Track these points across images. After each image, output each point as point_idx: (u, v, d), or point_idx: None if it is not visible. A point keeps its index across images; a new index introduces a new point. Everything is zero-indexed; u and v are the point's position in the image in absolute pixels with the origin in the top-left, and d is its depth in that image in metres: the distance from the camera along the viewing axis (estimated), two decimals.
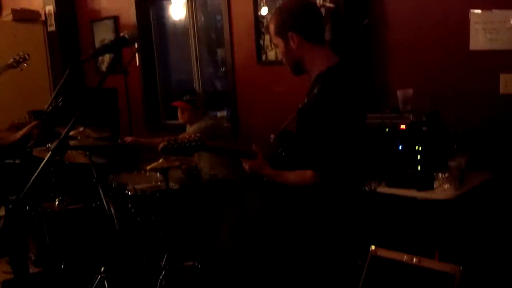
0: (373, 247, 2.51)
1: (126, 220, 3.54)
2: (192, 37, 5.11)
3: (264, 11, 4.25)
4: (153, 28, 5.51)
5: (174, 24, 5.49)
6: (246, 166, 2.16)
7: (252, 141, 3.87)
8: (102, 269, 3.24)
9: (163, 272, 3.27)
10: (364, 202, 2.25)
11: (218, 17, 5.15)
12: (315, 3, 3.76)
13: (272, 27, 2.11)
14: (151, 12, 5.47)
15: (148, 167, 3.48)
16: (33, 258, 3.52)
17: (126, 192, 3.62)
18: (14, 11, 5.88)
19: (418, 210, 2.94)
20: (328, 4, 3.51)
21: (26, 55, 4.16)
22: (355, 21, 3.55)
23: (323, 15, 3.43)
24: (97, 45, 5.79)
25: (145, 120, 5.43)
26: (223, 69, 4.92)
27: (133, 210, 3.59)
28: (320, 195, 2.03)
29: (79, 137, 3.79)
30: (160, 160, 3.52)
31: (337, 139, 1.95)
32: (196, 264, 3.47)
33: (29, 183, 1.39)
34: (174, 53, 5.62)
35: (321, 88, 1.97)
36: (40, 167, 1.42)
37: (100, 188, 3.36)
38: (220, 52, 5.10)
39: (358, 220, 2.12)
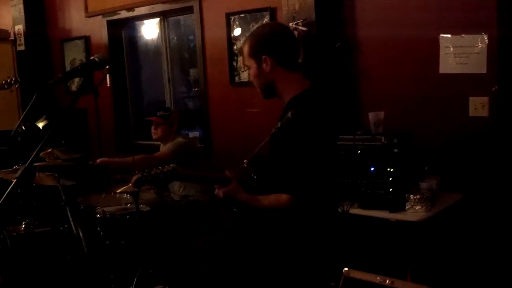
0: (346, 268, 2.50)
1: (95, 244, 3.44)
2: (165, 56, 5.09)
3: (237, 32, 4.27)
4: (125, 48, 5.47)
5: (146, 44, 5.47)
6: (220, 192, 2.13)
7: (225, 162, 3.89)
8: None
9: None
10: (338, 224, 2.25)
11: (191, 37, 5.15)
12: (290, 29, 3.82)
13: (246, 49, 2.11)
14: (123, 33, 5.44)
15: (118, 190, 3.41)
16: None
17: (95, 214, 3.53)
18: None
19: (391, 232, 2.96)
20: (300, 28, 3.55)
21: (17, 78, 4.21)
22: (327, 44, 3.60)
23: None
24: (68, 64, 5.71)
25: (116, 140, 5.35)
26: (196, 89, 4.90)
27: (102, 233, 3.50)
28: (294, 217, 2.02)
29: (47, 159, 3.71)
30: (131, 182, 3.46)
31: (311, 162, 1.95)
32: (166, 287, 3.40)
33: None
34: (146, 73, 5.58)
35: (294, 113, 1.97)
36: (7, 191, 1.36)
37: (68, 211, 3.27)
38: (192, 72, 5.09)
39: (332, 242, 2.11)
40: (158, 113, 4.00)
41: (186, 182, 3.54)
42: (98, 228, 3.50)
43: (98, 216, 3.51)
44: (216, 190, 2.14)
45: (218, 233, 3.82)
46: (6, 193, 1.37)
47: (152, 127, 4.03)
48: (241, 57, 4.26)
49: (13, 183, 1.38)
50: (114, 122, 5.34)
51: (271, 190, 2.05)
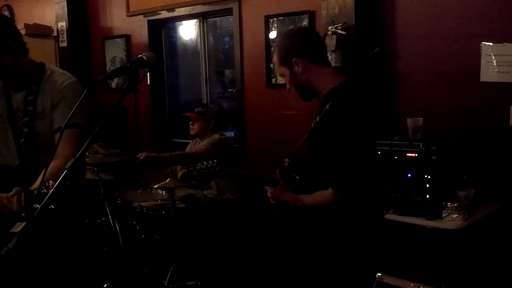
0: (379, 274, 2.50)
1: (131, 237, 3.52)
2: (202, 57, 5.16)
3: (275, 34, 4.31)
4: (164, 48, 5.57)
5: (184, 44, 5.56)
6: (269, 193, 2.16)
7: (259, 163, 3.93)
8: (105, 285, 3.21)
9: None
10: (382, 224, 2.25)
11: (226, 39, 5.21)
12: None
13: (276, 59, 2.16)
14: (162, 32, 5.54)
15: (155, 186, 3.48)
16: None
17: (132, 209, 3.61)
18: (27, 26, 5.94)
19: (426, 239, 2.94)
20: (339, 31, 3.55)
21: None
22: (365, 49, 3.59)
23: (335, 41, 3.52)
24: (108, 62, 5.83)
25: (152, 137, 5.45)
26: (232, 90, 4.95)
27: (138, 227, 3.58)
28: (339, 213, 2.04)
29: (87, 153, 3.80)
30: (167, 179, 3.54)
31: (353, 151, 1.97)
32: (199, 283, 3.45)
33: (46, 198, 1.39)
34: (183, 72, 5.67)
35: (332, 104, 2.00)
36: (57, 183, 1.42)
37: (106, 205, 3.35)
38: (227, 73, 5.15)
39: (369, 244, 2.12)
40: (196, 109, 4.09)
41: (228, 179, 3.56)
42: (134, 222, 3.58)
43: (135, 210, 3.59)
44: (268, 191, 2.17)
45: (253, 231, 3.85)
46: (56, 184, 1.42)
47: (190, 123, 4.10)
48: None
49: (64, 173, 1.44)
50: (151, 119, 5.44)
51: (313, 188, 2.07)
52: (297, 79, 2.11)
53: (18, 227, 1.32)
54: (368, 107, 2.11)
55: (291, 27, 4.17)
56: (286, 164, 2.13)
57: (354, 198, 2.00)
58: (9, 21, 2.37)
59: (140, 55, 1.75)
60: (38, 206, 1.43)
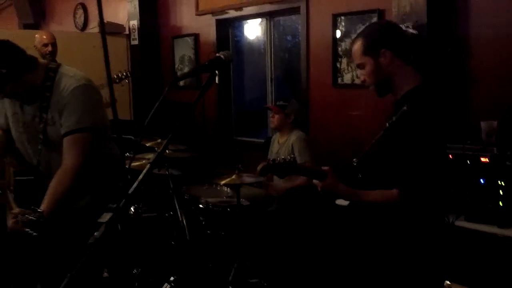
0: (448, 282, 2.44)
1: (197, 232, 3.61)
2: (269, 56, 5.20)
3: (343, 33, 4.27)
4: (231, 46, 5.65)
5: (250, 43, 5.62)
6: (319, 186, 2.16)
7: (323, 163, 3.90)
8: (172, 278, 3.31)
9: (229, 287, 3.30)
10: (445, 231, 2.20)
11: (289, 37, 5.22)
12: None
13: (358, 47, 2.12)
14: (230, 31, 5.62)
15: (222, 182, 3.55)
16: None
17: (198, 204, 3.70)
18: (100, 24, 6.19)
19: (497, 248, 2.83)
20: (410, 30, 3.47)
21: (128, 73, 4.44)
22: (437, 48, 3.50)
23: None
24: (177, 60, 5.99)
25: (218, 135, 5.55)
26: (297, 89, 4.95)
27: (204, 222, 3.66)
28: (401, 214, 2.01)
29: (157, 148, 3.93)
30: (233, 176, 3.59)
31: (426, 156, 1.93)
32: (263, 282, 3.48)
33: (128, 193, 1.46)
34: (248, 71, 5.73)
35: (410, 106, 1.98)
36: (140, 178, 1.48)
37: (175, 199, 3.46)
38: (293, 72, 5.16)
39: (436, 250, 2.07)
40: (278, 102, 4.14)
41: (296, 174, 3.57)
42: (200, 218, 3.67)
43: (201, 206, 3.68)
44: (317, 184, 2.16)
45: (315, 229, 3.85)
46: (140, 177, 1.48)
47: (271, 115, 4.15)
48: (345, 58, 4.26)
49: (147, 168, 1.50)
50: (217, 117, 5.54)
51: (377, 187, 2.04)
52: (381, 71, 2.08)
53: (105, 217, 1.39)
54: (444, 110, 2.07)
55: (360, 25, 4.12)
56: (355, 164, 2.12)
57: (418, 201, 1.96)
58: (3, 48, 2.35)
59: (217, 54, 1.78)
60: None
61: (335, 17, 4.30)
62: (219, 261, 3.54)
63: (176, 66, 5.99)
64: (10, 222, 2.28)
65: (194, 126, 5.04)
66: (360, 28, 4.11)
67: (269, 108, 4.21)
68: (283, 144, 4.04)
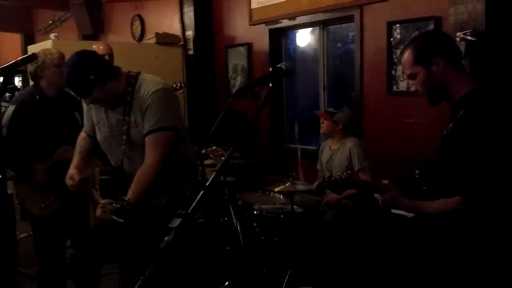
0: None
1: (251, 238, 3.66)
2: (321, 64, 5.21)
3: (398, 41, 4.24)
4: (283, 55, 5.70)
5: (302, 51, 5.65)
6: (379, 200, 2.17)
7: (378, 172, 3.87)
8: (227, 283, 3.37)
9: None
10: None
11: (339, 45, 5.22)
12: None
13: (409, 57, 2.11)
14: (282, 40, 5.68)
15: (276, 189, 3.59)
16: None
17: (252, 210, 3.75)
18: (157, 35, 6.39)
19: None
20: (468, 37, 3.42)
21: (183, 84, 4.63)
22: (497, 56, 3.42)
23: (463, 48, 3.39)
24: (230, 69, 6.10)
25: (270, 143, 5.60)
26: (351, 97, 4.94)
27: (257, 229, 3.71)
28: (465, 223, 1.98)
29: (211, 156, 4.03)
30: (287, 183, 3.63)
31: (486, 160, 1.90)
32: None
33: (196, 200, 1.52)
34: (300, 79, 5.76)
35: (466, 110, 1.96)
36: (207, 184, 1.55)
37: (231, 205, 3.52)
38: (346, 80, 5.15)
39: (504, 257, 2.02)
40: (328, 109, 4.17)
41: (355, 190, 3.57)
42: (254, 224, 3.72)
43: (255, 212, 3.73)
44: (379, 198, 2.16)
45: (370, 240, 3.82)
46: (207, 184, 1.55)
47: (321, 121, 4.18)
48: (400, 65, 4.22)
49: (214, 175, 1.56)
50: (269, 125, 5.60)
51: (440, 197, 2.02)
52: (433, 80, 2.07)
53: (175, 222, 1.46)
54: (503, 114, 2.03)
55: (415, 33, 4.08)
56: (417, 176, 2.11)
57: (482, 206, 1.93)
58: (89, 57, 2.60)
59: (278, 65, 1.84)
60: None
61: (390, 25, 4.28)
62: (273, 267, 3.58)
63: (229, 75, 6.10)
64: (98, 212, 2.46)
65: (247, 134, 5.10)
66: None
67: (319, 115, 4.22)
68: (337, 151, 4.03)
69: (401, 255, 3.17)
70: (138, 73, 2.69)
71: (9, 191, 3.49)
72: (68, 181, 2.79)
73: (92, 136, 2.88)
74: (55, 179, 3.18)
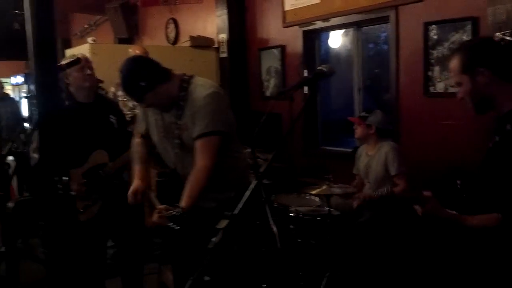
0: None
1: (287, 240, 3.67)
2: (356, 66, 5.19)
3: (434, 41, 4.18)
4: (317, 57, 5.69)
5: (336, 53, 5.63)
6: (419, 211, 2.15)
7: (416, 176, 3.83)
8: (264, 286, 3.39)
9: None
10: None
11: (371, 45, 5.18)
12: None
13: (456, 65, 2.06)
14: (316, 42, 5.67)
15: (312, 192, 3.59)
16: None
17: (289, 213, 3.77)
18: (192, 38, 6.47)
19: None
20: (508, 38, 3.36)
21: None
22: None
23: None
24: (263, 72, 6.12)
25: (304, 145, 5.60)
26: (386, 99, 4.90)
27: (294, 231, 3.72)
28: (505, 240, 1.95)
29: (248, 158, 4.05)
30: (324, 186, 3.63)
31: None
32: None
33: (241, 202, 1.55)
34: (334, 81, 5.74)
35: None
36: (251, 187, 1.57)
37: (267, 208, 3.54)
38: (381, 81, 5.12)
39: None
40: (360, 114, 4.16)
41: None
42: (290, 226, 3.73)
43: (291, 214, 3.74)
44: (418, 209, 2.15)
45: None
46: (252, 186, 1.57)
47: (354, 127, 4.17)
48: (438, 66, 4.17)
49: (258, 177, 1.58)
50: (303, 127, 5.60)
51: (481, 209, 2.00)
52: (478, 90, 2.02)
53: (223, 223, 1.49)
54: None
55: (453, 33, 4.03)
56: (459, 186, 2.09)
57: None
58: (140, 63, 2.65)
59: (319, 67, 1.85)
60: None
61: (427, 25, 4.23)
62: (310, 269, 3.58)
63: (263, 77, 6.12)
64: (155, 217, 2.52)
65: (286, 136, 5.12)
66: (453, 36, 4.03)
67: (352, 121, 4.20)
68: (373, 156, 4.00)
69: (439, 257, 3.14)
70: (191, 77, 2.70)
71: None
72: (131, 196, 2.76)
73: (146, 137, 2.92)
74: (90, 183, 3.25)
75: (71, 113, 3.24)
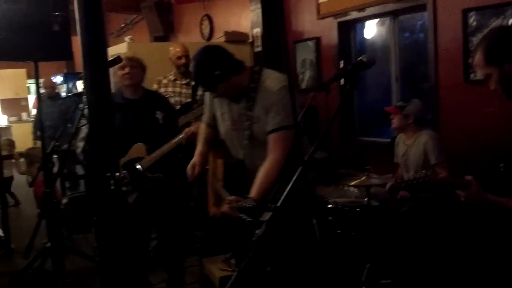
0: None
1: (327, 231, 3.67)
2: (393, 55, 5.12)
3: (474, 28, 4.09)
4: (352, 47, 5.64)
5: (372, 43, 5.57)
6: (461, 196, 2.12)
7: (456, 164, 3.77)
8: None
9: (362, 287, 3.32)
10: None
11: (407, 34, 5.09)
12: None
13: (480, 58, 2.03)
14: (351, 33, 5.62)
15: (352, 183, 3.58)
16: None
17: (327, 204, 3.76)
18: (226, 33, 6.52)
19: None
20: None
21: None
22: None
23: None
24: (298, 64, 6.10)
25: (340, 136, 5.57)
26: (425, 88, 4.82)
27: (333, 222, 3.72)
28: None
29: None
30: (363, 177, 3.61)
31: None
32: (394, 283, 3.45)
33: (284, 194, 1.56)
34: (371, 71, 5.66)
35: None
36: (294, 179, 1.59)
37: (312, 202, 3.54)
38: (419, 70, 5.03)
39: None
40: (397, 103, 4.11)
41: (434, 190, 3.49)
42: (329, 218, 3.73)
43: (330, 206, 3.73)
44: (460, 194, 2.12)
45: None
46: (293, 178, 1.58)
47: (390, 117, 4.12)
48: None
49: (299, 170, 1.59)
50: (340, 119, 5.56)
51: None
52: (509, 79, 1.98)
53: (266, 216, 1.51)
54: None
55: (494, 19, 3.93)
56: (502, 170, 2.05)
57: None
58: (215, 52, 2.65)
59: (360, 58, 1.85)
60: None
61: (465, 12, 4.14)
62: (351, 261, 3.57)
63: (298, 70, 6.11)
64: (225, 207, 2.56)
65: (319, 128, 5.11)
66: (494, 22, 3.93)
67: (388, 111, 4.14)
68: (412, 146, 3.95)
69: (484, 246, 3.09)
70: (261, 69, 2.72)
71: None
72: (189, 170, 2.89)
73: (212, 126, 2.96)
74: (129, 174, 3.35)
75: (118, 109, 3.34)
